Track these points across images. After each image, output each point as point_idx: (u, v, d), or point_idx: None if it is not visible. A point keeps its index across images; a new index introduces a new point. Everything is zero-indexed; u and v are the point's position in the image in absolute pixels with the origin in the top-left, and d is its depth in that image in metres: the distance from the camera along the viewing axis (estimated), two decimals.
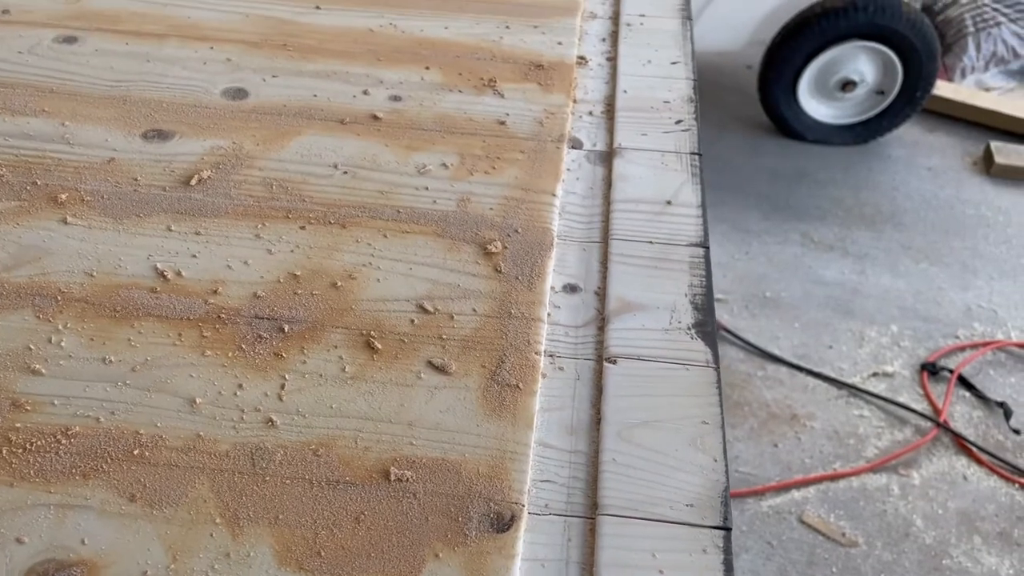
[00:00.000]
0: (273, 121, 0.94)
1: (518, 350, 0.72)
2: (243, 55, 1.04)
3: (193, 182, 0.86)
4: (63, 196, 0.83)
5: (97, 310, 0.73)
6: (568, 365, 0.72)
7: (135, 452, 0.63)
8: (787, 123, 3.46)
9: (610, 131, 0.96)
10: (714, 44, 3.39)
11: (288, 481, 0.62)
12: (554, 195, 0.87)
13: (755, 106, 3.54)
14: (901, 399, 2.52)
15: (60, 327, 0.72)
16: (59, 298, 0.74)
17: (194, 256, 0.79)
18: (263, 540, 0.59)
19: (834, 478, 2.36)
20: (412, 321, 0.74)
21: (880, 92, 3.37)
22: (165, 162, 0.88)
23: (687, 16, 1.13)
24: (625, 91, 1.01)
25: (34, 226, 0.80)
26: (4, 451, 0.63)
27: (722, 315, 2.82)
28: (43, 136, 0.90)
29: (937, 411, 2.47)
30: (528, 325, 0.74)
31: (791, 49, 3.30)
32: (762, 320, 2.84)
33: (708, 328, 0.74)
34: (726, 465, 0.64)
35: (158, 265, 0.77)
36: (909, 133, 3.62)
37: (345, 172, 0.88)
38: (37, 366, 0.69)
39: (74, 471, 0.62)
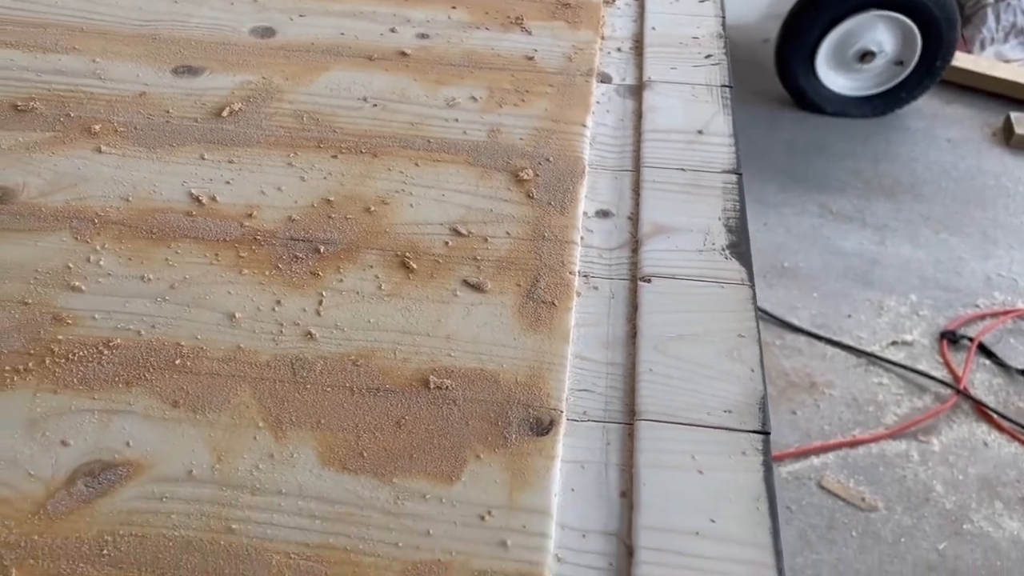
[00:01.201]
0: (301, 58, 0.95)
1: (552, 270, 0.72)
2: None
3: (224, 114, 0.86)
4: (96, 127, 0.84)
5: (134, 232, 0.74)
6: (602, 285, 0.72)
7: (176, 362, 0.64)
8: (805, 96, 3.44)
9: (639, 66, 0.96)
10: (728, 17, 3.36)
11: (329, 389, 0.63)
12: (584, 125, 0.87)
13: (772, 79, 3.52)
14: (920, 367, 2.51)
15: (98, 247, 0.72)
16: (96, 221, 0.75)
17: (228, 182, 0.79)
18: (306, 443, 0.59)
19: (853, 444, 2.36)
20: (446, 243, 0.74)
21: (899, 63, 3.34)
22: (196, 96, 0.89)
23: None
24: (653, 28, 1.01)
25: (69, 155, 0.81)
26: (47, 361, 0.64)
27: None
28: (75, 72, 0.91)
29: (957, 379, 2.46)
30: (562, 247, 0.74)
31: (809, 20, 3.27)
32: (780, 290, 2.83)
33: (742, 249, 0.74)
34: (763, 375, 0.64)
35: (193, 191, 0.78)
36: (928, 105, 3.59)
37: (375, 105, 0.89)
38: (77, 283, 0.69)
39: (117, 379, 0.63)
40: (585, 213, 0.79)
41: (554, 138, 0.85)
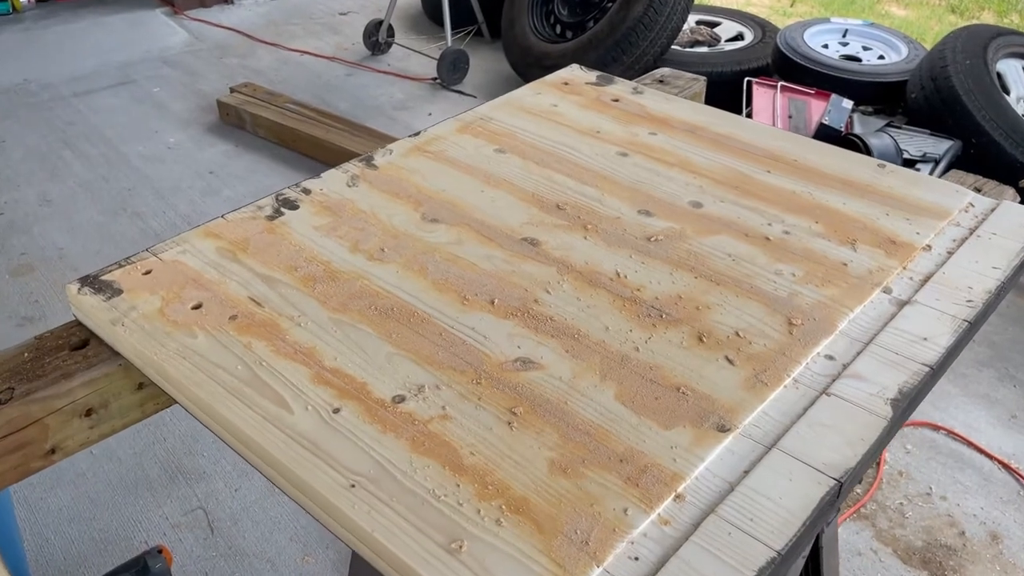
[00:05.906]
0: (704, 216, 1.61)
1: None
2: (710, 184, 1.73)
3: (651, 240, 1.56)
4: (590, 226, 1.60)
5: (581, 278, 1.46)
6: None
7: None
8: None
9: (916, 290, 1.42)
10: None
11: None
12: (851, 309, 1.38)
13: None
14: None
15: (561, 278, 1.46)
16: (563, 266, 1.49)
17: (635, 271, 1.48)
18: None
19: None
20: (732, 334, 1.33)
21: None
22: (644, 226, 1.60)
23: None
24: (943, 272, 1.46)
25: (571, 236, 1.58)
26: None
27: None
28: (589, 196, 1.70)
29: None
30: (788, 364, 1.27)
31: None
32: None
33: None
34: None
35: (617, 269, 1.48)
36: None
37: (733, 260, 1.50)
38: (548, 290, 1.43)
39: None
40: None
41: (826, 310, 1.38)
